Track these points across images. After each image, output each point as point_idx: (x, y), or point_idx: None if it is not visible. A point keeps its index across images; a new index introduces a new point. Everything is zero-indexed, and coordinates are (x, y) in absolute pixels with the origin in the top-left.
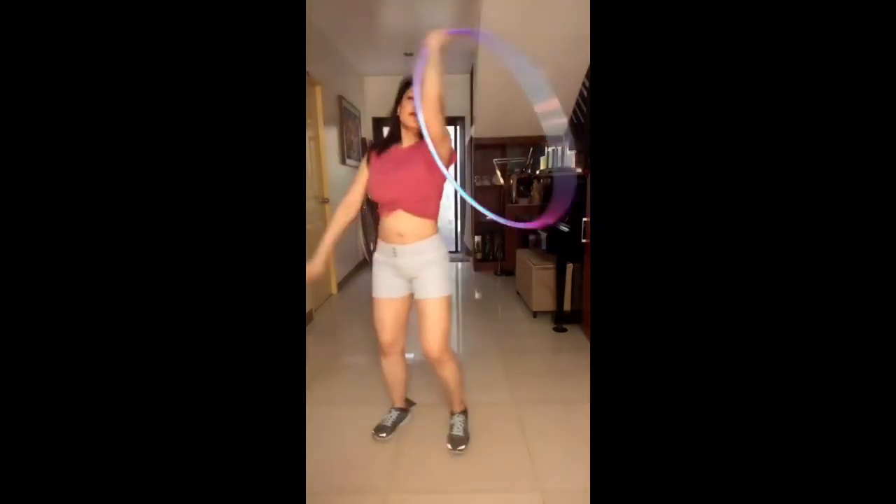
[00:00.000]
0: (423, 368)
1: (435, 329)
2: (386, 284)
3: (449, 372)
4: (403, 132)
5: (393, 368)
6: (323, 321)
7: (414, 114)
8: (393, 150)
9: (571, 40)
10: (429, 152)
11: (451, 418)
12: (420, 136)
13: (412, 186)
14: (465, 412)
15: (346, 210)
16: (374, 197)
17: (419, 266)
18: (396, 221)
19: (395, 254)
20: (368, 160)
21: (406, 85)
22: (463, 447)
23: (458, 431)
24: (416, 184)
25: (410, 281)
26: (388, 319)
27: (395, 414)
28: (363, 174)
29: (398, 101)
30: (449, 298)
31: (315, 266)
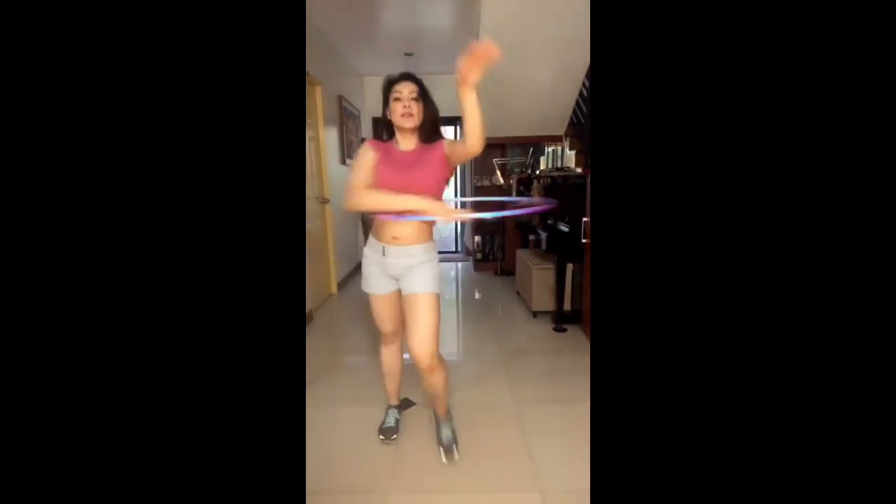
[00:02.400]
0: None
1: (424, 329)
2: (375, 282)
3: (438, 378)
4: (398, 133)
5: (394, 358)
6: (323, 321)
7: (407, 115)
8: (394, 151)
9: (571, 40)
10: (435, 160)
11: (440, 425)
12: (421, 138)
13: (421, 194)
14: (450, 416)
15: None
16: None
17: (407, 266)
18: (398, 225)
19: (384, 253)
20: (365, 151)
21: (389, 84)
22: (456, 451)
23: (448, 437)
24: (426, 191)
25: (397, 279)
26: (385, 313)
27: (394, 412)
28: (368, 164)
29: (385, 103)
30: (438, 297)
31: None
